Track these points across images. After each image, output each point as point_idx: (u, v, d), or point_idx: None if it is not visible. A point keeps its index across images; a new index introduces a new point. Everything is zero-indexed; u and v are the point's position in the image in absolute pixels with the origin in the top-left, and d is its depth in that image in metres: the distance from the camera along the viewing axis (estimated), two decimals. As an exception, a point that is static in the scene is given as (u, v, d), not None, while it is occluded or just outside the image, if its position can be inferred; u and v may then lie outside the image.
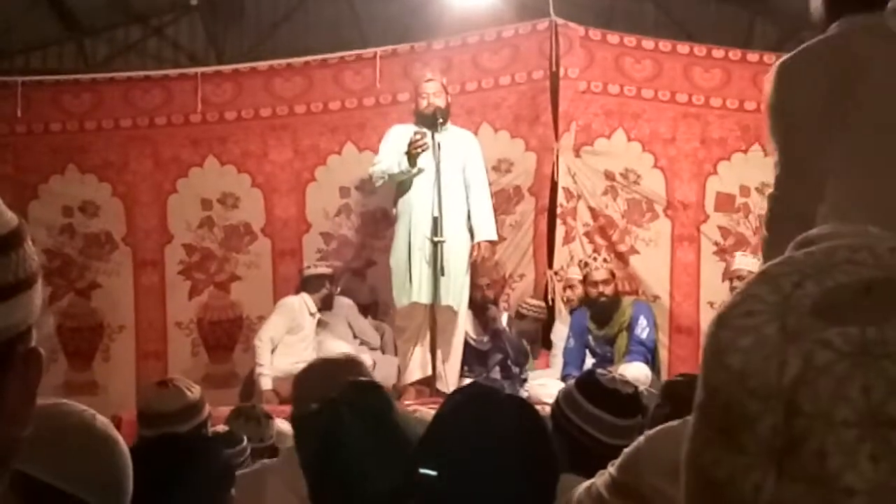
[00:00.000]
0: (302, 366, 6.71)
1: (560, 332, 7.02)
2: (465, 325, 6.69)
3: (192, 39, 11.48)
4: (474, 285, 6.67)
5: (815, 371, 0.59)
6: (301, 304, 6.91)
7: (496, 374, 6.82)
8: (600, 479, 1.86)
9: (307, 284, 7.00)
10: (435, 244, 5.97)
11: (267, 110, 7.51)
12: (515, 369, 6.82)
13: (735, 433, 0.61)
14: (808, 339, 0.61)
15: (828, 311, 0.62)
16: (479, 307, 6.75)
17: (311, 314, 6.91)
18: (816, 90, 2.74)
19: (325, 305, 6.99)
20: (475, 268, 6.59)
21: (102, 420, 1.61)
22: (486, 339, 6.79)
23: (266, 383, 6.61)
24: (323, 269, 7.03)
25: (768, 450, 0.60)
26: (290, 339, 6.80)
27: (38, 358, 0.84)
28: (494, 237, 6.47)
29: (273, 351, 6.76)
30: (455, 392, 1.54)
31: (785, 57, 2.90)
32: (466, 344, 6.71)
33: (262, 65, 7.70)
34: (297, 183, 7.49)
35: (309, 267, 7.12)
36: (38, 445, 0.96)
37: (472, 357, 6.79)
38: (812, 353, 0.60)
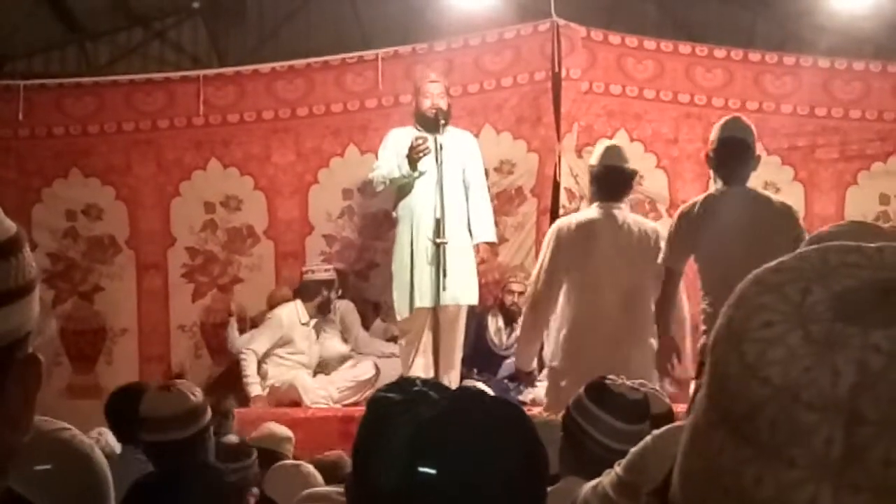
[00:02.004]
0: (295, 377, 6.76)
1: None
2: (490, 326, 6.89)
3: (194, 42, 11.49)
4: (506, 290, 6.91)
5: (873, 377, 0.58)
6: (291, 315, 6.87)
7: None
8: (607, 479, 1.85)
9: (303, 291, 6.98)
10: (437, 245, 5.97)
11: (269, 113, 7.51)
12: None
13: (783, 448, 0.59)
14: (852, 345, 0.59)
15: (852, 315, 0.61)
16: (509, 314, 6.89)
17: (303, 324, 6.88)
18: (563, 250, 5.28)
19: (322, 311, 6.97)
20: (500, 273, 6.70)
21: (82, 439, 1.58)
22: (506, 346, 6.85)
23: (255, 390, 6.67)
24: (321, 275, 6.99)
25: (822, 462, 0.58)
26: (281, 352, 6.82)
27: (38, 364, 0.84)
28: (493, 239, 6.48)
29: (265, 361, 6.79)
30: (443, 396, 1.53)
31: (558, 221, 5.77)
32: (484, 344, 6.76)
33: (264, 67, 7.70)
34: (299, 185, 7.49)
35: (308, 271, 7.08)
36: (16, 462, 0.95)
37: (486, 358, 6.82)
38: (865, 359, 0.59)
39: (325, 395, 6.74)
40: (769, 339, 0.62)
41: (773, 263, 0.67)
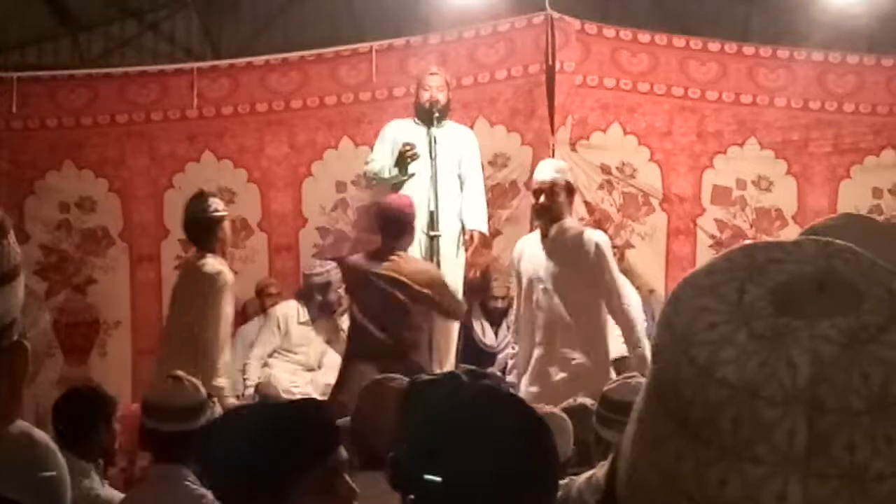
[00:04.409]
0: (271, 375, 6.71)
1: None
2: (476, 328, 6.90)
3: (188, 34, 11.46)
4: (489, 296, 6.93)
5: (829, 366, 0.59)
6: (287, 314, 6.83)
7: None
8: (601, 470, 1.85)
9: (301, 293, 6.95)
10: (431, 238, 5.99)
11: (263, 105, 7.50)
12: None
13: (747, 446, 0.60)
14: (801, 337, 0.60)
15: (793, 309, 0.61)
16: (493, 315, 6.94)
17: (301, 323, 6.83)
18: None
19: (323, 312, 6.90)
20: (486, 279, 6.71)
21: (32, 429, 1.58)
22: (498, 343, 6.87)
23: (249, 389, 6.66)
24: (315, 279, 6.85)
25: (787, 455, 0.59)
26: (283, 351, 6.79)
27: (24, 351, 0.84)
28: (484, 229, 6.49)
29: (268, 364, 6.77)
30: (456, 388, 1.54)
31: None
32: (474, 344, 6.77)
33: (258, 60, 7.69)
34: (293, 178, 7.48)
35: (305, 274, 7.00)
36: None
37: (477, 356, 6.83)
38: (818, 350, 0.59)
39: (300, 391, 6.71)
40: (717, 340, 0.62)
41: (701, 267, 0.68)
